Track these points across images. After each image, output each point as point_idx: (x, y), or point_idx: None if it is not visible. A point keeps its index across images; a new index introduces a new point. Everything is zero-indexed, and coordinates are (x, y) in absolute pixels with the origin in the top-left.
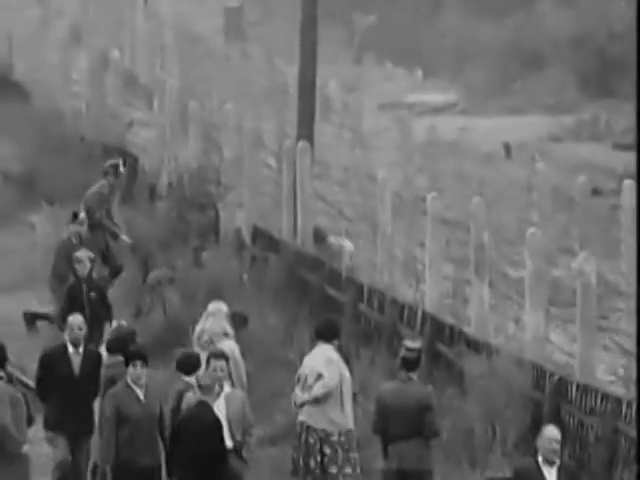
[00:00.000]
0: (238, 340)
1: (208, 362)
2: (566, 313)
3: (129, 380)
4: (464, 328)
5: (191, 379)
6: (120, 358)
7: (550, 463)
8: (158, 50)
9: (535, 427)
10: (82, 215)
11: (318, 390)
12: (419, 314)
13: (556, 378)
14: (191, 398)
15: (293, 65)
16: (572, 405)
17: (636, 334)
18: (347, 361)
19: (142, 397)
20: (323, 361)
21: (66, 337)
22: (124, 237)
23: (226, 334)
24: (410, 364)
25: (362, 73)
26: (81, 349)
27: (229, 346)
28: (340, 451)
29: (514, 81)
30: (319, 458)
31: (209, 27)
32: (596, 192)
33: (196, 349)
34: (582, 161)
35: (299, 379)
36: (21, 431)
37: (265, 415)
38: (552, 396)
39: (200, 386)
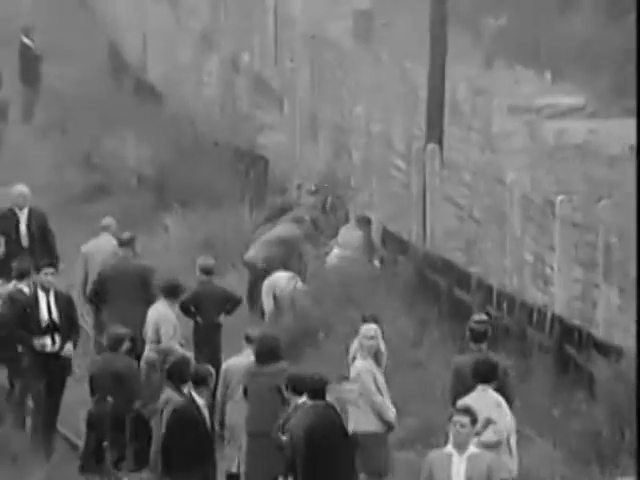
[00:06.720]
0: None
1: None
2: None
3: None
4: (592, 331)
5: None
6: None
7: None
8: (288, 53)
9: None
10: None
11: (491, 437)
12: (548, 317)
13: None
14: None
15: (422, 68)
16: None
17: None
18: None
19: None
20: (493, 405)
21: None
22: None
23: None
24: (479, 335)
25: (491, 76)
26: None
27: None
28: None
29: None
30: None
31: (339, 30)
32: None
33: None
34: None
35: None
36: None
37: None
38: None
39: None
